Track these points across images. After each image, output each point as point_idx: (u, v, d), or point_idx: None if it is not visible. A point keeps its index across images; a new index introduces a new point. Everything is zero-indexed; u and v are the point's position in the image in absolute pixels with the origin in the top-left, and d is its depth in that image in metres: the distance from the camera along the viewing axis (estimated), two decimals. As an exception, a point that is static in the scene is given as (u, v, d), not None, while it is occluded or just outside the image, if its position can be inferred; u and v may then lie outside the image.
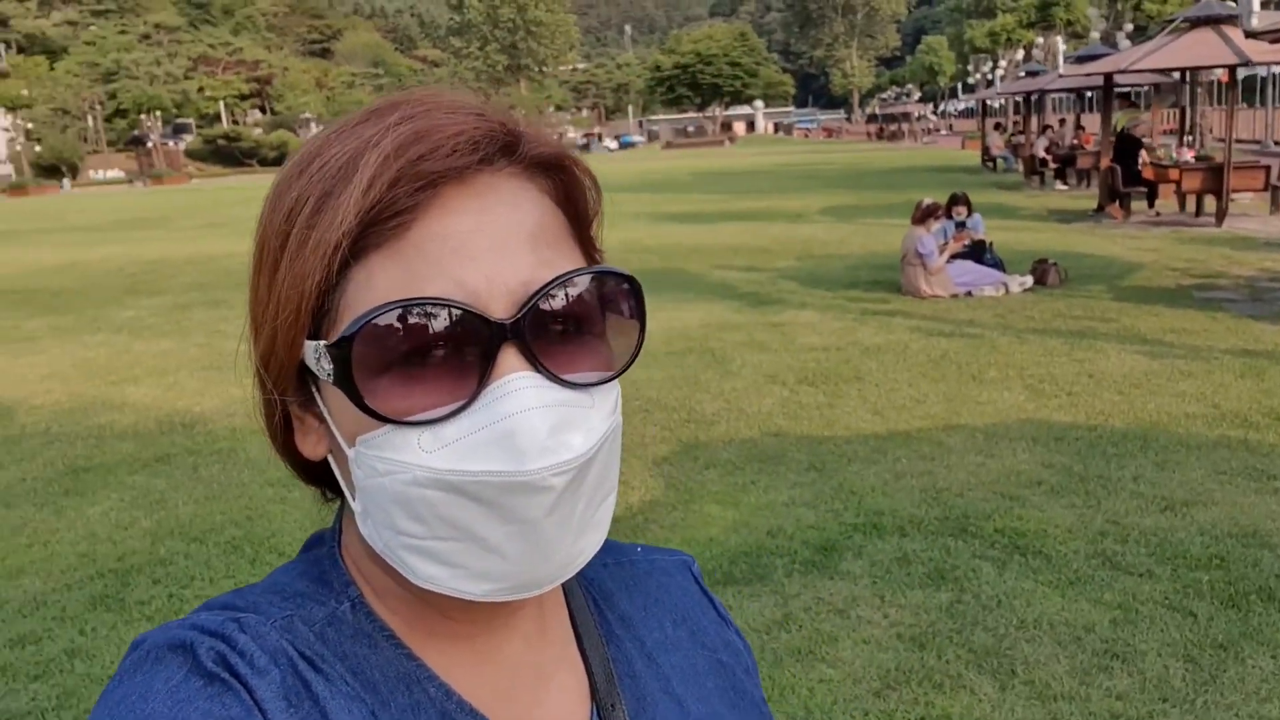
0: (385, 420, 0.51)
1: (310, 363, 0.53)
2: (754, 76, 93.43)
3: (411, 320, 0.50)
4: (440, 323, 0.51)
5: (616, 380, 0.57)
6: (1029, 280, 9.25)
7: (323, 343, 0.52)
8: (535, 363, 0.52)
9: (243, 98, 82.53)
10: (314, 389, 0.56)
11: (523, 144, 0.55)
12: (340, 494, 0.60)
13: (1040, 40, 44.10)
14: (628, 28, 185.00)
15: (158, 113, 65.00)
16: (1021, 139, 24.15)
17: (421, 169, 0.51)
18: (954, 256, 9.38)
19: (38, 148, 57.14)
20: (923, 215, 9.17)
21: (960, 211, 9.95)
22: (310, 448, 0.58)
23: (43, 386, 7.64)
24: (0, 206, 40.99)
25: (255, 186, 48.03)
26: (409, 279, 0.51)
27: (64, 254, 18.11)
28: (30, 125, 57.54)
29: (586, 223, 0.59)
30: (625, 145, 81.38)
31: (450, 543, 0.52)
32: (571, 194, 0.58)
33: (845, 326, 8.10)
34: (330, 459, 0.57)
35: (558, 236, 0.55)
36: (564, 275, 0.53)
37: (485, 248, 0.52)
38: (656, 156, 57.61)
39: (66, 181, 55.30)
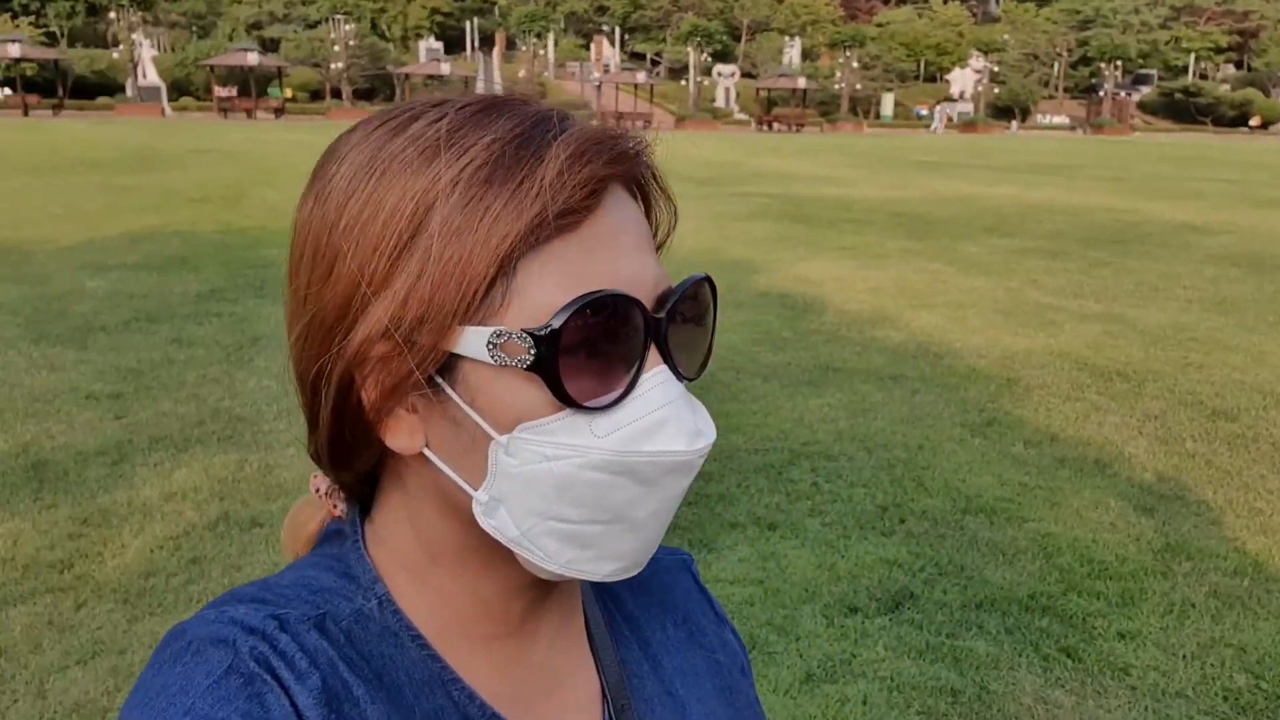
0: (574, 405, 0.53)
1: (473, 350, 0.53)
2: None
3: (599, 311, 0.53)
4: (618, 315, 0.54)
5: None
6: None
7: (517, 330, 0.52)
8: (668, 357, 0.56)
9: (1218, 50, 77.01)
10: (440, 382, 0.55)
11: (641, 158, 0.59)
12: (364, 493, 0.63)
13: None
14: None
15: (1118, 62, 64.57)
16: None
17: (601, 172, 0.54)
18: None
19: (997, 89, 61.75)
20: None
21: None
22: (405, 441, 0.57)
23: (858, 295, 8.98)
24: (951, 142, 45.74)
25: (1202, 146, 45.18)
26: (584, 273, 0.53)
27: (962, 188, 19.88)
28: (997, 68, 62.27)
29: (660, 244, 0.63)
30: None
31: (600, 525, 0.55)
32: (651, 206, 0.62)
33: None
34: (427, 450, 0.57)
35: (652, 244, 0.60)
36: (697, 278, 0.59)
37: (632, 246, 0.56)
38: None
39: (1014, 124, 59.11)
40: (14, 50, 36.06)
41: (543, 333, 0.52)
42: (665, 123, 49.04)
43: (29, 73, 40.27)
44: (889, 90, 59.02)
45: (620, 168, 0.56)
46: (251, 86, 43.06)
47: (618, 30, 67.58)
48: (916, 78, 67.01)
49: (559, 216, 0.52)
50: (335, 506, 0.66)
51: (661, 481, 0.55)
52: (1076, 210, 16.13)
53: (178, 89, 45.24)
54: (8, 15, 48.14)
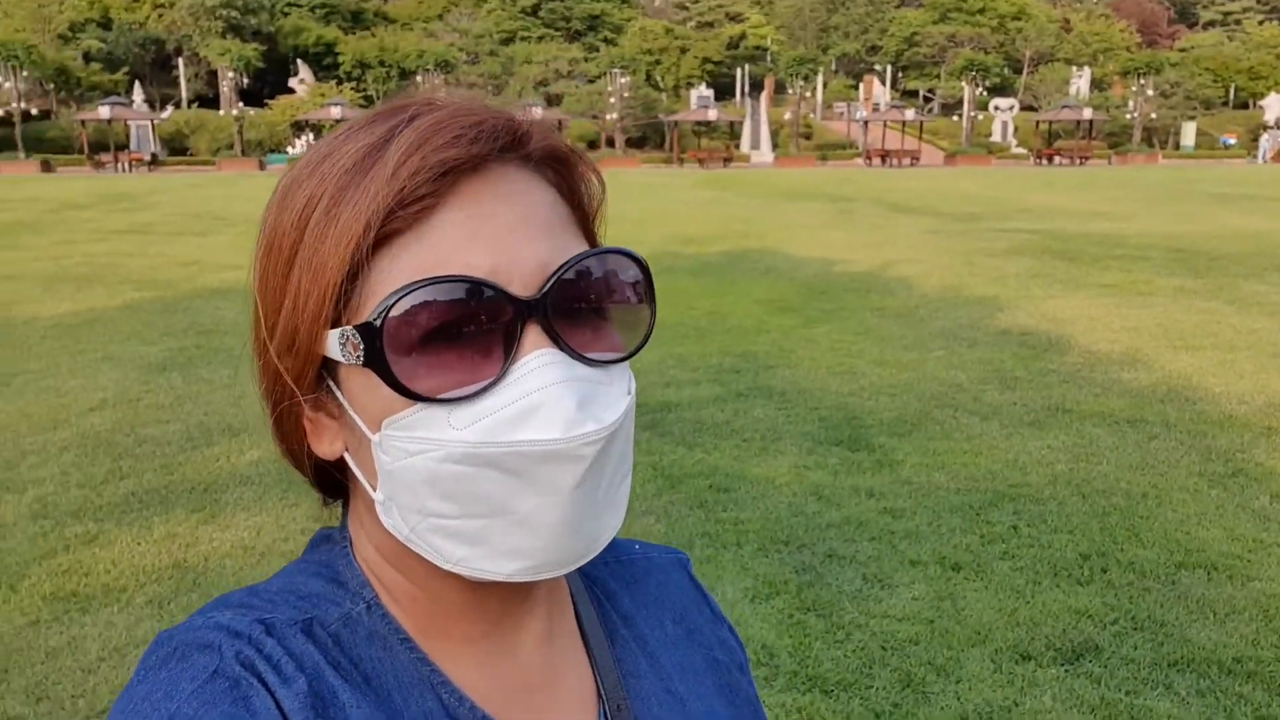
0: (418, 398, 0.52)
1: (333, 351, 0.53)
2: None
3: (439, 298, 0.51)
4: (467, 300, 0.52)
5: (628, 361, 0.58)
6: None
7: (350, 326, 0.52)
8: (557, 340, 0.53)
9: None
10: (330, 383, 0.56)
11: (532, 138, 0.57)
12: (345, 497, 0.63)
13: None
14: None
15: None
16: None
17: (444, 157, 0.52)
18: None
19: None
20: None
21: None
22: (325, 447, 0.58)
23: (1110, 335, 8.35)
24: (1261, 173, 41.24)
25: None
26: (434, 261, 0.52)
27: (1260, 224, 17.89)
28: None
29: (590, 215, 0.61)
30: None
31: (480, 520, 0.53)
32: (575, 186, 0.59)
33: None
34: (346, 455, 0.58)
35: (566, 225, 0.57)
36: (582, 255, 0.55)
37: (505, 230, 0.53)
38: None
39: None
40: (335, 112, 40.88)
41: (368, 325, 0.51)
42: (935, 159, 47.62)
43: (348, 132, 45.69)
44: (1190, 119, 54.08)
45: (465, 149, 0.53)
46: (534, 138, 46.25)
47: (889, 69, 66.56)
48: (1225, 104, 61.00)
49: (398, 209, 0.52)
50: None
51: (535, 472, 0.52)
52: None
53: (471, 143, 49.38)
54: (334, 80, 54.71)
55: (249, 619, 0.55)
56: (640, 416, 5.89)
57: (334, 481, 0.63)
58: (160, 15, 59.60)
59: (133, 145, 43.88)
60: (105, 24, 58.54)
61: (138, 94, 49.77)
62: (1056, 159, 46.77)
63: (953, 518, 4.43)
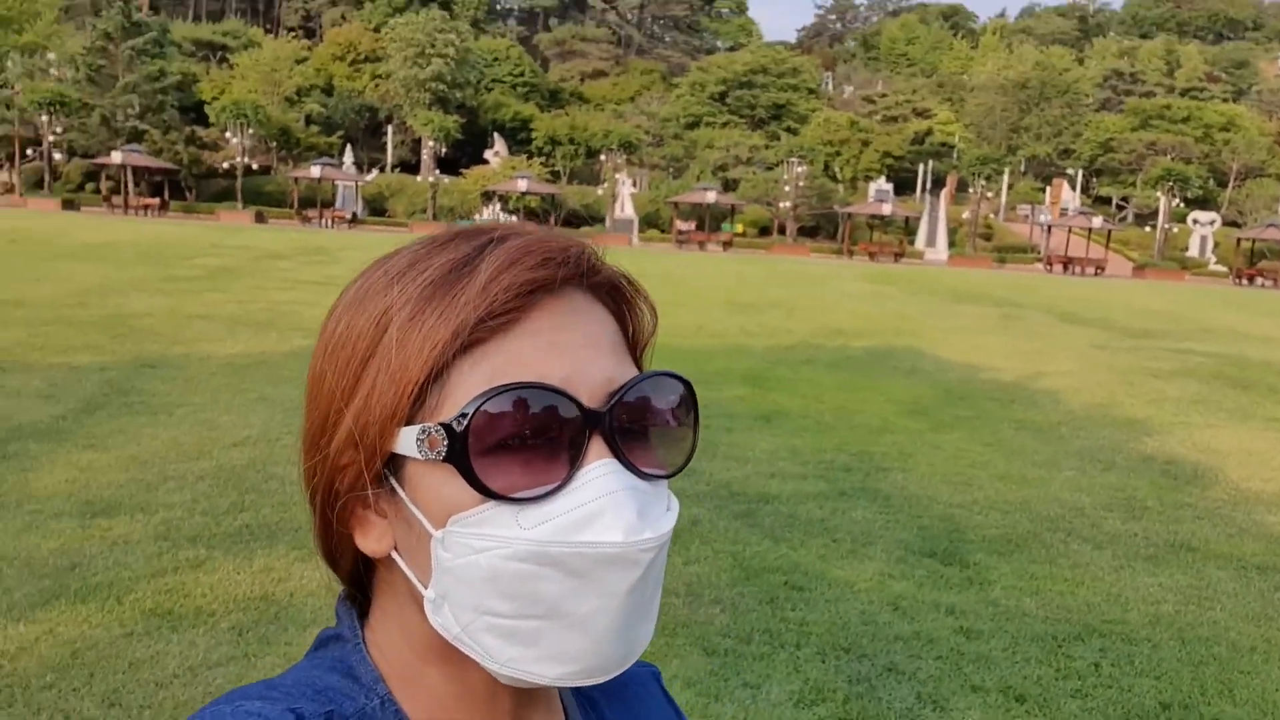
0: (493, 496, 0.55)
1: (407, 447, 0.56)
2: None
3: (519, 404, 0.55)
4: (544, 407, 0.55)
5: (669, 480, 0.62)
6: None
7: (435, 424, 0.55)
8: (618, 452, 0.57)
9: None
10: (391, 480, 0.58)
11: (602, 268, 0.62)
12: (365, 596, 0.66)
13: None
14: None
15: None
16: None
17: (531, 276, 0.57)
18: None
19: None
20: None
21: None
22: (373, 544, 0.60)
23: (1267, 472, 7.75)
24: None
25: None
26: (514, 370, 0.56)
27: None
28: None
29: (640, 344, 0.65)
30: None
31: (536, 621, 0.55)
32: (630, 316, 0.64)
33: None
34: (395, 553, 0.60)
35: (623, 349, 0.62)
36: (644, 376, 0.60)
37: (577, 346, 0.58)
38: None
39: None
40: (521, 185, 43.05)
41: (454, 423, 0.55)
42: (1123, 270, 45.50)
43: (532, 204, 47.70)
44: None
45: (551, 272, 0.58)
46: (706, 221, 47.09)
47: (1080, 173, 64.42)
48: None
49: (487, 319, 0.56)
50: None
51: (596, 574, 0.55)
52: None
53: (648, 222, 50.69)
54: (526, 154, 57.58)
55: (280, 708, 0.56)
56: (735, 505, 5.95)
57: (358, 582, 0.66)
58: (376, 85, 64.54)
59: (338, 203, 47.44)
60: (328, 90, 63.82)
61: (348, 156, 53.83)
62: (1259, 280, 43.84)
63: (1031, 647, 4.23)
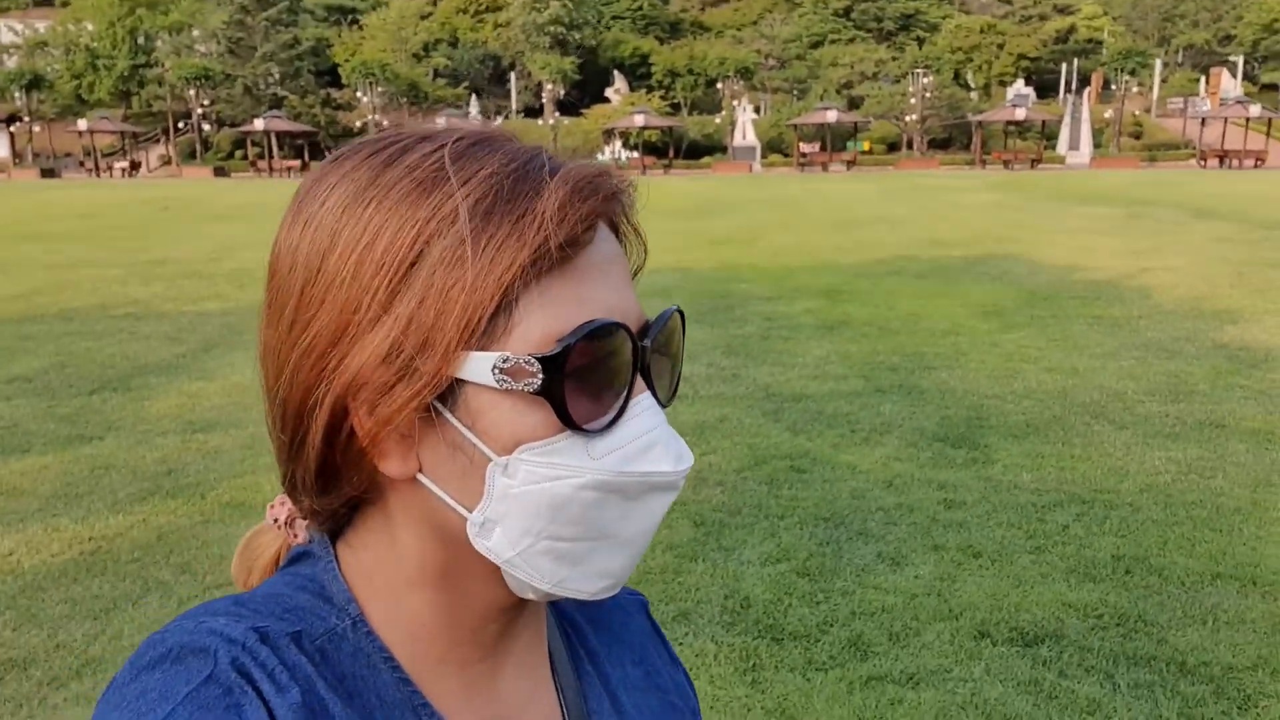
0: (575, 428, 0.55)
1: (478, 375, 0.54)
2: None
3: (599, 337, 0.56)
4: (615, 341, 0.57)
5: None
6: None
7: (524, 355, 0.54)
8: (650, 385, 0.59)
9: None
10: (438, 405, 0.55)
11: (625, 202, 0.61)
12: (339, 519, 0.62)
13: None
14: None
15: None
16: None
17: (602, 207, 0.58)
18: None
19: None
20: None
21: None
22: (397, 466, 0.57)
23: (1346, 353, 7.51)
24: None
25: None
26: (579, 299, 0.56)
27: None
28: None
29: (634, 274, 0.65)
30: None
31: (591, 542, 0.58)
32: (627, 249, 0.63)
33: None
34: (423, 478, 0.57)
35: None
36: (672, 310, 0.63)
37: (620, 279, 0.59)
38: None
39: None
40: (639, 120, 43.23)
41: (550, 357, 0.54)
42: (1284, 160, 42.19)
43: (651, 138, 47.86)
44: None
45: (610, 205, 0.59)
46: (828, 142, 46.17)
47: (1243, 60, 59.54)
48: None
49: (566, 246, 0.55)
50: (295, 536, 0.67)
51: (647, 499, 0.58)
52: None
53: (771, 147, 50.07)
54: (645, 89, 57.61)
55: (244, 625, 0.55)
56: (767, 404, 6.34)
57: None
58: (498, 34, 65.58)
59: (466, 152, 48.73)
60: (453, 42, 65.30)
61: (473, 106, 55.14)
62: None
63: (1008, 514, 4.49)
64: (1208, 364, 7.24)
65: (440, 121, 0.62)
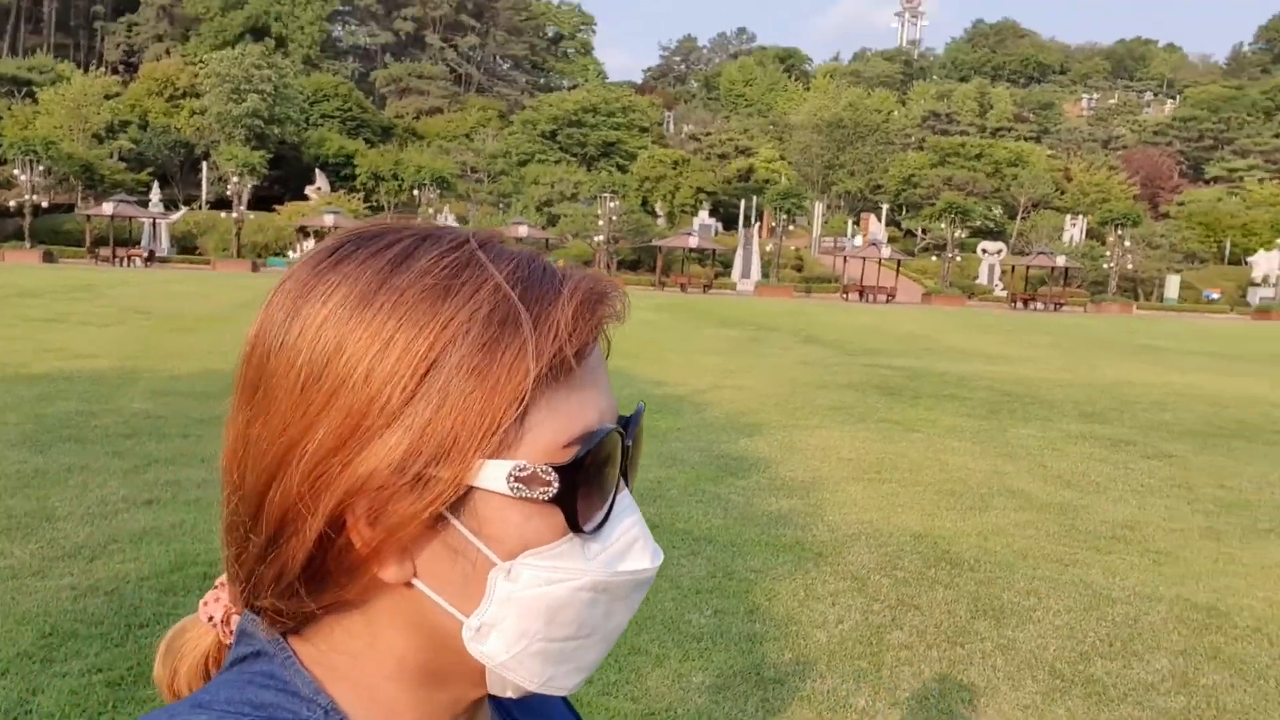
0: (580, 532, 0.57)
1: (491, 483, 0.55)
2: None
3: (605, 442, 0.57)
4: (612, 444, 0.59)
5: None
6: None
7: (541, 464, 0.55)
8: (627, 479, 0.62)
9: None
10: (446, 512, 0.56)
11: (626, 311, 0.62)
12: (305, 618, 0.60)
13: None
14: None
15: None
16: None
17: (610, 311, 0.60)
18: None
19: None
20: None
21: None
22: (393, 571, 0.57)
23: (812, 463, 8.87)
24: (1235, 330, 41.43)
25: None
26: (581, 406, 0.57)
27: (1144, 375, 18.31)
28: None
29: None
30: None
31: (581, 640, 0.59)
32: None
33: None
34: (419, 583, 0.57)
35: None
36: (643, 406, 0.66)
37: (606, 380, 0.61)
38: None
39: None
40: (329, 220, 42.91)
41: (567, 466, 0.55)
42: (913, 297, 48.60)
43: (347, 240, 47.73)
44: (1176, 271, 54.99)
45: (615, 313, 0.60)
46: (523, 255, 47.92)
47: (887, 207, 68.40)
48: (1219, 259, 61.91)
49: (578, 354, 0.57)
50: (228, 635, 0.66)
51: (631, 596, 0.60)
52: (1224, 400, 14.53)
53: (470, 256, 51.12)
54: (348, 190, 57.36)
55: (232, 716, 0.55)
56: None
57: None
58: (193, 121, 63.15)
59: (143, 242, 46.13)
60: (144, 125, 62.05)
61: (155, 193, 52.45)
62: (1034, 304, 47.56)
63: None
64: (693, 471, 8.30)
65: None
